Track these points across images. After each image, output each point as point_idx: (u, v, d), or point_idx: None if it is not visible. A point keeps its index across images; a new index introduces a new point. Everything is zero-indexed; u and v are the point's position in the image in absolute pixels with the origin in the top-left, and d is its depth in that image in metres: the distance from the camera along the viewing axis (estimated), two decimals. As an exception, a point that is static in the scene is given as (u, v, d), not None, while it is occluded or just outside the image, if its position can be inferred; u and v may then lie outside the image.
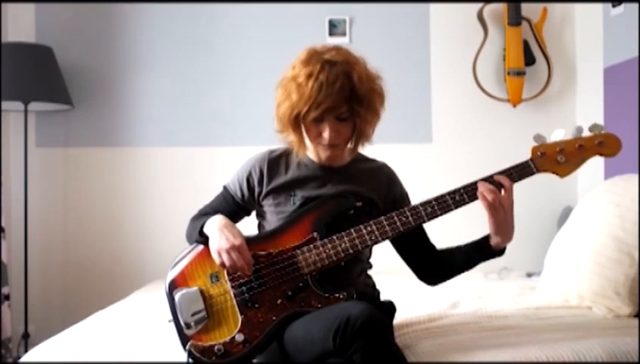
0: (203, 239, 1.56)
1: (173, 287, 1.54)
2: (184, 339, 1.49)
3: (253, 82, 3.17)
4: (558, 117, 3.24)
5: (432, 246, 1.70)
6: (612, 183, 2.20)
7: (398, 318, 1.76)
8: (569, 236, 2.20)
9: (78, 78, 3.15)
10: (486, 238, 1.56)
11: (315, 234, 1.54)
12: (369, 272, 1.73)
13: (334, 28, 3.21)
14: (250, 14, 3.21)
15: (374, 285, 1.73)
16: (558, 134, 1.54)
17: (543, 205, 3.19)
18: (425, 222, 1.54)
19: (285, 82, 1.56)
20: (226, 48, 3.21)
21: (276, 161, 1.67)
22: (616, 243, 1.94)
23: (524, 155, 1.57)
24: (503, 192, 1.50)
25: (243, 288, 1.51)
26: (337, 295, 1.49)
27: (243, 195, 1.67)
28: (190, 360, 1.45)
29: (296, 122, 1.55)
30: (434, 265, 1.69)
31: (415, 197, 1.66)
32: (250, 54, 3.21)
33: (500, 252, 1.57)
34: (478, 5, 3.19)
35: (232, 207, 1.68)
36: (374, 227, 1.52)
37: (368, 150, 1.69)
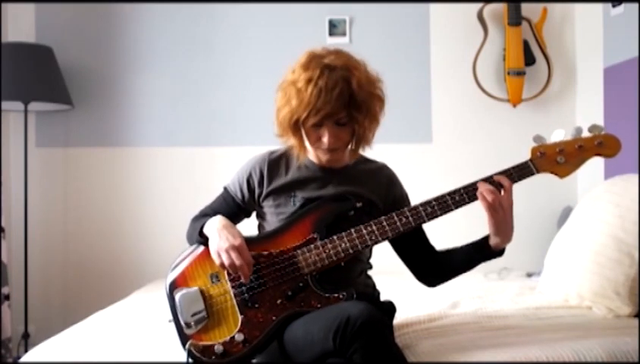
0: (203, 239, 1.56)
1: (173, 287, 1.54)
2: (184, 338, 1.49)
3: (253, 82, 3.17)
4: (558, 117, 3.24)
5: (431, 247, 1.70)
6: (612, 183, 2.20)
7: (398, 318, 1.76)
8: (569, 236, 2.20)
9: (78, 78, 3.15)
10: (485, 239, 1.56)
11: (315, 235, 1.54)
12: (369, 272, 1.73)
13: (334, 28, 3.21)
14: (250, 14, 3.21)
15: (374, 285, 1.73)
16: (558, 135, 1.54)
17: (543, 205, 3.19)
18: (424, 222, 1.54)
19: (285, 86, 1.56)
20: (226, 48, 3.21)
21: (276, 163, 1.67)
22: (616, 243, 1.94)
23: (524, 155, 1.57)
24: (502, 192, 1.50)
25: (243, 288, 1.51)
26: (337, 295, 1.49)
27: (243, 196, 1.67)
28: (190, 360, 1.45)
29: (295, 127, 1.55)
30: (433, 266, 1.69)
31: (415, 197, 1.67)
32: (250, 54, 3.21)
33: (499, 252, 1.57)
34: (478, 5, 3.19)
35: (232, 208, 1.68)
36: (374, 227, 1.52)
37: (368, 150, 1.69)
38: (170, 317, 1.53)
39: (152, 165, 3.20)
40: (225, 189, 1.72)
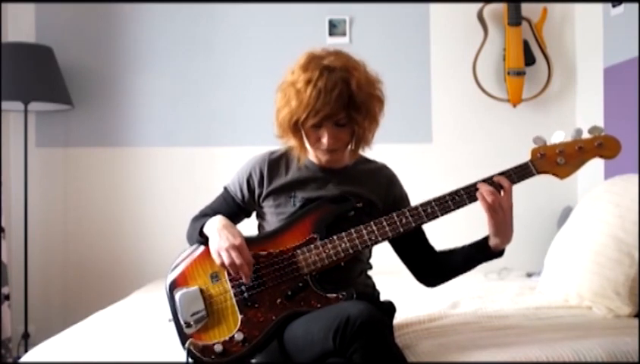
0: (203, 239, 1.56)
1: (173, 286, 1.55)
2: (184, 338, 1.49)
3: (253, 82, 3.17)
4: (558, 117, 3.24)
5: (431, 248, 1.70)
6: (612, 183, 2.20)
7: (398, 318, 1.76)
8: (569, 236, 2.20)
9: (78, 78, 3.15)
10: (485, 239, 1.56)
11: (315, 235, 1.54)
12: (369, 272, 1.73)
13: (334, 28, 3.21)
14: (250, 14, 3.21)
15: (374, 285, 1.73)
16: (558, 136, 1.54)
17: (543, 205, 3.19)
18: (424, 223, 1.54)
19: (284, 86, 1.56)
20: (226, 48, 3.21)
21: (276, 163, 1.67)
22: (616, 243, 1.94)
23: (524, 155, 1.57)
24: (502, 193, 1.50)
25: (243, 288, 1.51)
26: (336, 295, 1.49)
27: (243, 196, 1.67)
28: (190, 359, 1.45)
29: (295, 128, 1.55)
30: (433, 267, 1.69)
31: (415, 197, 1.67)
32: (250, 54, 3.21)
33: (499, 253, 1.57)
34: (478, 5, 3.19)
35: (232, 208, 1.68)
36: (374, 227, 1.52)
37: (368, 150, 1.69)
38: (170, 316, 1.53)
39: (152, 165, 3.20)
40: (225, 189, 1.72)
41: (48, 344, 1.70)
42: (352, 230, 1.52)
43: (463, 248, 1.62)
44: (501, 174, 1.53)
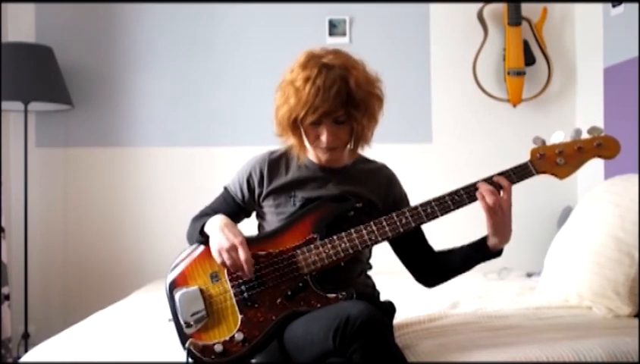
0: (204, 238, 1.56)
1: (173, 286, 1.54)
2: (184, 338, 1.49)
3: (253, 82, 3.17)
4: (558, 117, 3.24)
5: (430, 248, 1.71)
6: (612, 183, 2.20)
7: (398, 318, 1.76)
8: (569, 236, 2.20)
9: (78, 78, 3.15)
10: (484, 239, 1.56)
11: (315, 235, 1.54)
12: (369, 272, 1.73)
13: (334, 28, 3.21)
14: (250, 14, 3.21)
15: (374, 285, 1.73)
16: (557, 136, 1.54)
17: (543, 205, 3.19)
18: (424, 223, 1.54)
19: (284, 85, 1.56)
20: (226, 48, 3.21)
21: (276, 162, 1.67)
22: (616, 243, 1.94)
23: (524, 155, 1.57)
24: (502, 193, 1.50)
25: (243, 288, 1.51)
26: (336, 295, 1.49)
27: (243, 196, 1.67)
28: (190, 359, 1.45)
29: (294, 126, 1.55)
30: (432, 267, 1.69)
31: (415, 197, 1.66)
32: (250, 54, 3.21)
33: (497, 253, 1.57)
34: (478, 5, 3.19)
35: (232, 208, 1.68)
36: (373, 227, 1.52)
37: (368, 150, 1.69)
38: (170, 316, 1.53)
39: (152, 165, 3.20)
40: (225, 189, 1.72)
41: (48, 344, 1.70)
42: (352, 230, 1.52)
43: (462, 248, 1.62)
44: (501, 174, 1.53)
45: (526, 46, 3.17)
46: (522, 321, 1.84)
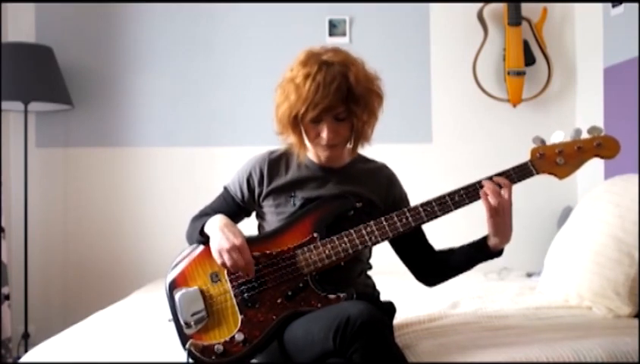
0: (204, 238, 1.56)
1: (173, 286, 1.54)
2: (184, 338, 1.49)
3: (253, 82, 3.17)
4: (558, 117, 3.24)
5: (430, 247, 1.71)
6: (612, 183, 2.20)
7: (398, 318, 1.76)
8: (569, 236, 2.20)
9: (78, 78, 3.15)
10: (484, 239, 1.56)
11: (315, 235, 1.54)
12: (369, 272, 1.73)
13: (334, 28, 3.21)
14: (250, 14, 3.21)
15: (374, 285, 1.73)
16: (557, 136, 1.54)
17: (543, 205, 3.19)
18: (424, 223, 1.54)
19: (284, 83, 1.57)
20: (226, 48, 3.21)
21: (276, 162, 1.67)
22: (616, 243, 1.94)
23: (524, 155, 1.57)
24: (502, 193, 1.49)
25: (243, 288, 1.51)
26: (337, 295, 1.49)
27: (243, 196, 1.67)
28: (190, 360, 1.45)
29: (294, 123, 1.55)
30: (432, 266, 1.69)
31: (415, 197, 1.66)
32: (250, 54, 3.21)
33: (498, 253, 1.57)
34: (478, 5, 3.19)
35: (232, 208, 1.68)
36: (374, 227, 1.52)
37: (368, 150, 1.69)
38: (170, 316, 1.53)
39: (152, 165, 3.20)
40: (225, 188, 1.72)
41: (48, 344, 1.70)
42: (352, 230, 1.52)
43: (462, 247, 1.62)
44: (501, 174, 1.53)
45: (526, 46, 3.17)
46: (522, 321, 1.84)
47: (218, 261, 1.49)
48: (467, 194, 1.51)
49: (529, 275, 2.80)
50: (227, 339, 1.47)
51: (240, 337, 1.46)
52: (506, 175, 1.52)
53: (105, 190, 3.18)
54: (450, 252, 1.65)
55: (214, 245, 1.50)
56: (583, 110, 3.21)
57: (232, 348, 1.46)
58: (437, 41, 3.25)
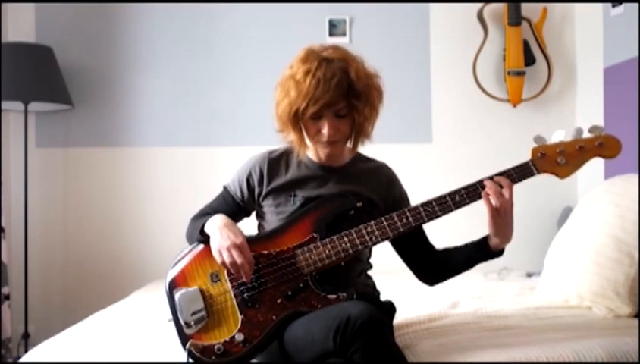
0: (204, 238, 1.56)
1: (173, 286, 1.54)
2: (184, 338, 1.49)
3: (253, 82, 3.17)
4: (558, 117, 3.24)
5: (431, 246, 1.70)
6: (612, 183, 2.20)
7: (398, 318, 1.75)
8: (569, 236, 2.20)
9: (78, 78, 3.15)
10: (485, 239, 1.56)
11: (315, 234, 1.54)
12: (369, 272, 1.73)
13: (334, 28, 3.21)
14: (250, 14, 3.21)
15: (374, 285, 1.73)
16: (558, 135, 1.54)
17: (543, 205, 3.19)
18: (425, 222, 1.54)
19: (283, 80, 1.57)
20: (226, 48, 3.21)
21: (276, 162, 1.67)
22: (616, 243, 1.94)
23: (524, 155, 1.57)
24: (503, 193, 1.49)
25: (243, 288, 1.51)
26: (337, 295, 1.49)
27: (242, 195, 1.67)
28: (190, 360, 1.45)
29: (295, 120, 1.55)
30: (433, 265, 1.69)
31: (415, 197, 1.67)
32: (250, 54, 3.21)
33: (499, 253, 1.57)
34: (478, 5, 3.19)
35: (232, 207, 1.68)
36: (374, 227, 1.52)
37: (368, 150, 1.69)
38: (170, 316, 1.52)
39: (152, 165, 3.20)
40: (225, 188, 1.72)
41: (48, 344, 1.70)
42: (353, 230, 1.52)
43: (463, 247, 1.62)
44: (502, 173, 1.53)
45: (526, 46, 3.17)
46: (522, 321, 1.84)
47: (218, 260, 1.49)
48: (468, 194, 1.51)
49: (529, 275, 2.80)
50: (227, 339, 1.47)
51: (240, 337, 1.46)
52: (506, 175, 1.52)
53: (105, 190, 3.18)
54: (451, 251, 1.65)
55: (215, 244, 1.50)
56: (583, 110, 3.21)
57: (232, 348, 1.46)
58: (437, 41, 3.25)
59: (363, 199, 1.61)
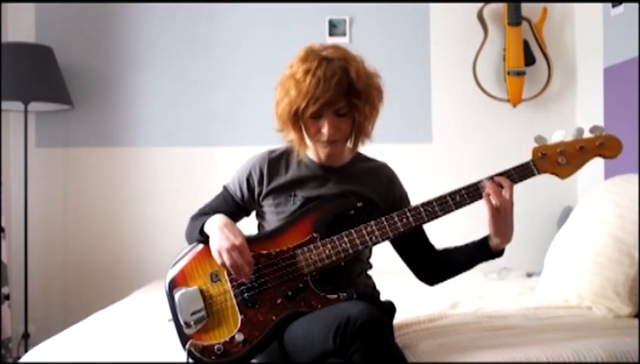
0: (203, 238, 1.56)
1: (173, 286, 1.54)
2: (184, 338, 1.49)
3: (253, 82, 3.17)
4: (558, 117, 3.24)
5: (431, 246, 1.70)
6: (612, 183, 2.20)
7: (398, 318, 1.75)
8: (569, 236, 2.20)
9: (78, 78, 3.15)
10: (485, 239, 1.56)
11: (315, 234, 1.54)
12: (369, 272, 1.73)
13: (334, 28, 3.21)
14: (250, 14, 3.21)
15: (374, 285, 1.73)
16: (559, 135, 1.54)
17: (543, 205, 3.19)
18: (425, 222, 1.54)
19: (284, 80, 1.56)
20: (226, 48, 3.21)
21: (276, 161, 1.67)
22: (616, 243, 1.94)
23: (524, 155, 1.57)
24: (503, 193, 1.49)
25: (243, 288, 1.51)
26: (337, 295, 1.49)
27: (242, 195, 1.67)
28: (190, 360, 1.45)
29: (295, 119, 1.55)
30: (433, 265, 1.69)
31: (415, 197, 1.66)
32: (250, 54, 3.21)
33: (499, 253, 1.57)
34: (478, 5, 3.19)
35: (232, 207, 1.68)
36: (374, 227, 1.52)
37: (368, 150, 1.69)
38: (170, 316, 1.52)
39: (152, 165, 3.20)
40: (225, 188, 1.72)
41: (48, 344, 1.70)
42: (353, 230, 1.52)
43: (463, 247, 1.62)
44: (502, 173, 1.52)
45: (526, 46, 3.17)
46: (522, 321, 1.84)
47: (218, 261, 1.49)
48: (468, 194, 1.51)
49: (529, 275, 2.80)
50: (227, 339, 1.47)
51: (239, 337, 1.46)
52: (507, 175, 1.52)
53: (105, 190, 3.18)
54: (451, 251, 1.65)
55: (214, 244, 1.49)
56: (583, 110, 3.21)
57: (232, 348, 1.46)
58: (437, 41, 3.25)
59: (363, 198, 1.61)
